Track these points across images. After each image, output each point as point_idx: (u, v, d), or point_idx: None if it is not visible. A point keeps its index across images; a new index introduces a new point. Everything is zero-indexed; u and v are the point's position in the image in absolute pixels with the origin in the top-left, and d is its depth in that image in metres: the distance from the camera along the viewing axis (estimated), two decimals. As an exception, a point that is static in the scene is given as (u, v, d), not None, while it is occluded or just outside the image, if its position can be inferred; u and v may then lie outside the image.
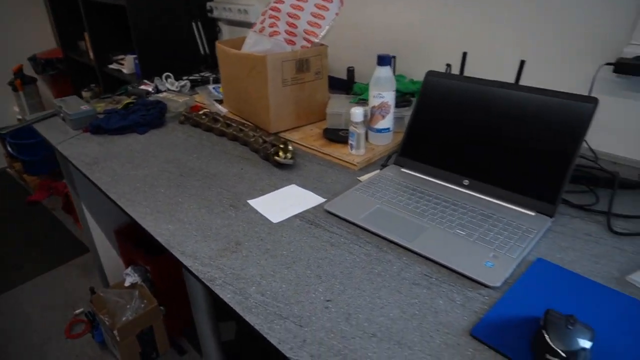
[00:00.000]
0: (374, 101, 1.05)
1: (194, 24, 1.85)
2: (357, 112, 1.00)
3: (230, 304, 0.66)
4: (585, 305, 0.63)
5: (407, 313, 0.63)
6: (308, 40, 1.18)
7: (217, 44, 1.30)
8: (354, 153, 1.05)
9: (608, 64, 0.96)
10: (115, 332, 1.50)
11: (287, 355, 0.57)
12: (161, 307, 1.64)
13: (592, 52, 1.02)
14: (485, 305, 0.64)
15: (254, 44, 1.25)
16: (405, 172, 0.98)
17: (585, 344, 0.53)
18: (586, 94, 1.05)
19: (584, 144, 1.09)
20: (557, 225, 0.82)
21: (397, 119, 1.15)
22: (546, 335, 0.54)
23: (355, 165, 1.02)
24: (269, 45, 1.21)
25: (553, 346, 0.53)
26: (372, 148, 1.08)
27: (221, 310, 1.61)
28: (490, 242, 0.75)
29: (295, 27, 1.19)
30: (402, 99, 1.21)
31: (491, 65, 1.20)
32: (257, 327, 0.62)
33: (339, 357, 0.57)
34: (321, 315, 0.63)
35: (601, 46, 1.00)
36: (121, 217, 1.74)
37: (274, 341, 0.59)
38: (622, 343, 0.57)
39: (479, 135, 0.91)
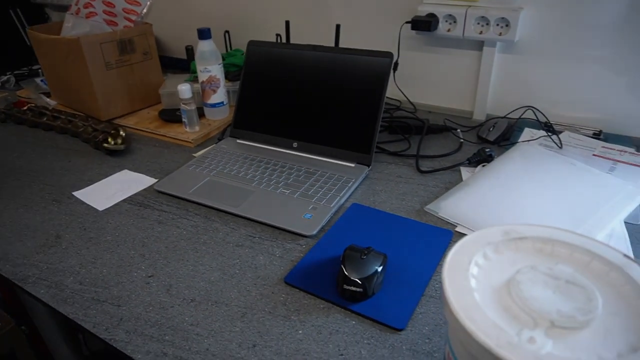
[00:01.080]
0: (202, 76, 1.04)
1: (11, 11, 1.66)
2: (184, 89, 0.99)
3: (43, 299, 0.63)
4: (386, 237, 0.70)
5: (228, 274, 0.65)
6: (129, 20, 1.13)
7: (29, 31, 1.18)
8: (189, 130, 1.04)
9: (407, 22, 1.06)
10: (-36, 363, 1.35)
11: (102, 336, 0.56)
12: (22, 327, 1.50)
13: (397, 13, 1.12)
14: (301, 254, 0.69)
15: (72, 27, 1.17)
16: (241, 143, 1.00)
17: (378, 268, 0.60)
18: (395, 51, 1.15)
19: (405, 97, 1.20)
20: (375, 173, 0.90)
21: (234, 92, 1.16)
22: (343, 268, 0.60)
23: (190, 142, 1.02)
24: (88, 27, 1.14)
25: (349, 276, 0.59)
26: (209, 123, 1.08)
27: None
28: (312, 195, 0.80)
29: (113, 6, 1.13)
30: (239, 72, 1.22)
31: (316, 32, 1.26)
32: (71, 317, 0.59)
33: (155, 327, 0.57)
34: (141, 292, 0.63)
35: (402, 7, 1.10)
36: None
37: (88, 326, 0.58)
38: (413, 260, 0.65)
39: (301, 98, 0.95)
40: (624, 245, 0.68)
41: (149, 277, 0.66)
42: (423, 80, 1.18)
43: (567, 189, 0.78)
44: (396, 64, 1.15)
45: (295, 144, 0.95)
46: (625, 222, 0.72)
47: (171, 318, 0.58)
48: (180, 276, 0.65)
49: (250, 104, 1.00)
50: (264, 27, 1.35)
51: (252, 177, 0.86)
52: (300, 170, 0.88)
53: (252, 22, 1.37)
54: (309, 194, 0.81)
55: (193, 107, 1.01)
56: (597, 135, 0.98)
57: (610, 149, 0.92)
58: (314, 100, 0.94)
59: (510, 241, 0.39)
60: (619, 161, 0.88)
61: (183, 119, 1.03)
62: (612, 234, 0.69)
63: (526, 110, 1.06)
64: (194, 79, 1.21)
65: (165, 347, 0.54)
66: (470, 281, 0.35)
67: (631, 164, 0.87)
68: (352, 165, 0.89)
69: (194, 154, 0.99)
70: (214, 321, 0.58)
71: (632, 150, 0.91)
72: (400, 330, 0.55)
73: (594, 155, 0.90)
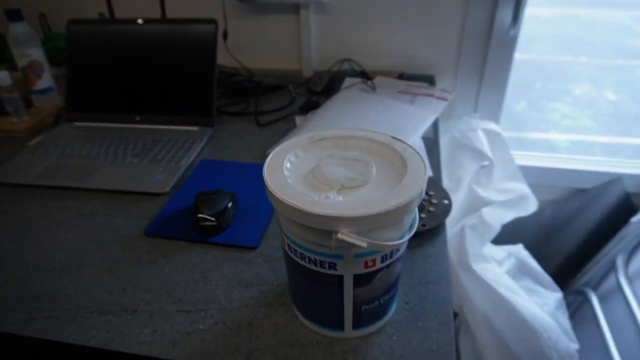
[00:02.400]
0: (21, 61, 0.99)
1: None
2: (1, 76, 0.93)
3: None
4: (235, 181, 0.79)
5: (87, 241, 0.67)
6: None
7: None
8: (17, 121, 0.98)
9: (227, -8, 1.14)
10: None
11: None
12: None
13: (219, -16, 1.18)
14: (158, 210, 0.73)
15: None
16: (79, 125, 0.98)
17: (228, 204, 0.68)
18: (223, 20, 1.22)
19: (240, 63, 1.28)
20: (219, 132, 0.97)
21: (64, 76, 1.11)
22: (197, 208, 0.67)
23: (21, 132, 0.96)
24: None
25: (203, 213, 0.66)
26: (39, 112, 1.03)
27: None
28: (161, 159, 0.84)
29: None
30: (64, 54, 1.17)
31: (142, 5, 1.26)
32: None
33: (17, 300, 0.58)
34: (-6, 275, 0.62)
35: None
36: None
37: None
38: (260, 193, 0.75)
39: (134, 73, 0.97)
40: (422, 153, 0.87)
41: (1, 261, 0.64)
42: (254, 46, 1.27)
43: (379, 119, 0.95)
44: (226, 32, 1.22)
45: (137, 118, 0.97)
46: (422, 137, 0.91)
47: (34, 289, 0.59)
48: (37, 253, 0.66)
49: (82, 85, 0.99)
50: (83, 10, 1.30)
51: (97, 154, 0.87)
52: (146, 140, 0.91)
53: (69, 3, 1.30)
54: (157, 158, 0.85)
55: (16, 94, 0.96)
56: (401, 77, 1.19)
57: (411, 85, 1.13)
58: (148, 73, 0.96)
59: (315, 142, 0.50)
60: (417, 94, 1.09)
61: (8, 109, 0.97)
62: (413, 144, 0.88)
63: (344, 62, 1.22)
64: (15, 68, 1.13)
65: (34, 313, 0.56)
66: (284, 173, 0.45)
67: (425, 95, 1.07)
68: (196, 128, 0.95)
69: (28, 143, 0.94)
70: (81, 281, 0.60)
71: (426, 85, 1.13)
72: (255, 248, 0.65)
73: (398, 92, 1.10)
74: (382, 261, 0.45)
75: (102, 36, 0.97)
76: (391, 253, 0.45)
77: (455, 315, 1.14)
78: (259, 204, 0.73)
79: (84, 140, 0.92)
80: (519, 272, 1.15)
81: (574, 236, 1.38)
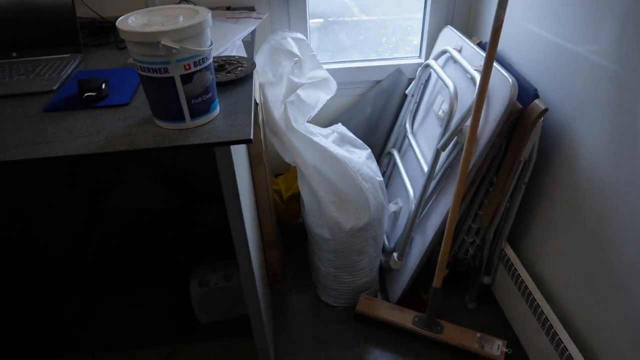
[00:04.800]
0: None
1: None
2: None
3: None
4: (104, 75, 1.08)
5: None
6: None
7: None
8: None
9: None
10: None
11: None
12: None
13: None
14: (49, 99, 1.01)
15: None
16: (-38, 67, 1.19)
17: (103, 83, 0.99)
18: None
19: (99, 13, 1.54)
20: (88, 58, 1.24)
21: None
22: (80, 85, 0.97)
23: None
24: None
25: (85, 87, 0.96)
26: None
27: None
28: (43, 74, 1.10)
29: None
30: None
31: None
32: None
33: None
34: None
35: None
36: None
37: None
38: (123, 81, 1.06)
39: (8, 18, 1.20)
40: (241, 49, 1.24)
41: None
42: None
43: (214, 34, 1.30)
44: (77, -11, 1.46)
45: (14, 54, 1.21)
46: (242, 40, 1.28)
47: (-32, 146, 0.86)
48: (-39, 132, 0.90)
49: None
50: None
51: (-13, 79, 1.10)
52: (27, 66, 1.16)
53: None
54: (40, 74, 1.11)
55: None
56: (228, 9, 1.54)
57: (235, 13, 1.49)
58: (22, 19, 1.20)
59: (147, 12, 0.84)
60: (239, 18, 1.45)
61: None
62: (234, 44, 1.25)
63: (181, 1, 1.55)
64: None
65: (-26, 154, 0.83)
66: (129, 23, 0.78)
67: (246, 17, 1.45)
68: (68, 55, 1.22)
69: None
70: (2, 142, 0.87)
71: (247, 11, 1.50)
72: (126, 104, 0.97)
73: (227, 18, 1.45)
74: (195, 65, 0.81)
75: (-33, -8, 1.18)
76: (200, 61, 0.81)
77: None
78: (125, 84, 1.04)
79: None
80: (340, 141, 1.59)
81: (385, 120, 1.88)
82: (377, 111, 1.87)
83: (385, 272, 1.69)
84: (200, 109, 0.86)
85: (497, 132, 1.23)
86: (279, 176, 1.91)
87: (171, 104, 0.84)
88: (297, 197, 1.78)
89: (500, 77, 1.23)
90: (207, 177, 1.81)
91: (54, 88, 1.05)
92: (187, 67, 0.80)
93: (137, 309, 1.54)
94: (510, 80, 1.20)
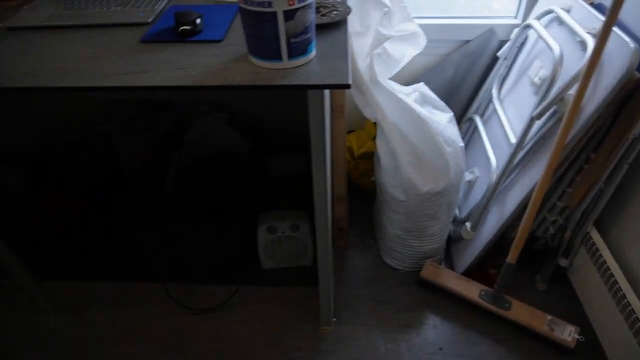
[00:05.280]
0: (4, -56, 1.19)
1: None
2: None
3: None
4: (198, 10, 1.07)
5: (99, 48, 0.95)
6: None
7: None
8: (9, -7, 1.20)
9: None
10: None
11: None
12: None
13: None
14: (147, 29, 1.01)
15: None
16: None
17: (197, 19, 0.97)
18: None
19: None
20: (180, -7, 1.23)
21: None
22: (177, 17, 0.96)
23: (12, 1, 1.18)
24: None
25: (181, 20, 0.95)
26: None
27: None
28: (139, 6, 1.11)
29: None
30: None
31: None
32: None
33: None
34: (37, 66, 0.89)
35: None
36: None
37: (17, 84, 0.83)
38: (219, 16, 1.04)
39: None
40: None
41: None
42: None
43: None
44: None
45: (110, -15, 1.22)
46: (335, -16, 1.22)
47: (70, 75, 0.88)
48: (62, 64, 0.93)
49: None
50: None
51: (86, 6, 1.12)
52: (123, -2, 1.16)
53: None
54: (135, 5, 1.11)
55: (6, -30, 1.17)
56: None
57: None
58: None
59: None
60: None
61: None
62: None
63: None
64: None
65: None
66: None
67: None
68: (161, -11, 1.21)
69: (24, 7, 1.16)
70: (105, 66, 0.89)
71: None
72: (220, 40, 0.95)
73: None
74: (299, 2, 0.77)
75: None
76: (304, -3, 0.77)
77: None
78: (218, 21, 1.02)
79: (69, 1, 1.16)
80: (422, 101, 1.52)
81: (469, 84, 1.77)
82: (460, 74, 1.76)
83: (452, 241, 1.63)
84: (298, 49, 0.83)
85: (606, 103, 1.11)
86: (350, 133, 1.87)
87: (270, 41, 0.81)
88: (368, 155, 1.74)
89: (620, 41, 1.10)
90: (282, 126, 1.80)
91: (149, 20, 1.04)
92: (292, 2, 0.76)
93: (206, 246, 1.59)
94: (632, 45, 1.06)
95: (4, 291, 1.58)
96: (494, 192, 1.38)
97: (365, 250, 1.68)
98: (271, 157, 1.79)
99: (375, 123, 1.64)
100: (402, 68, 1.44)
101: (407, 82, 1.70)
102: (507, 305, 1.37)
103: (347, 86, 0.79)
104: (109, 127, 1.64)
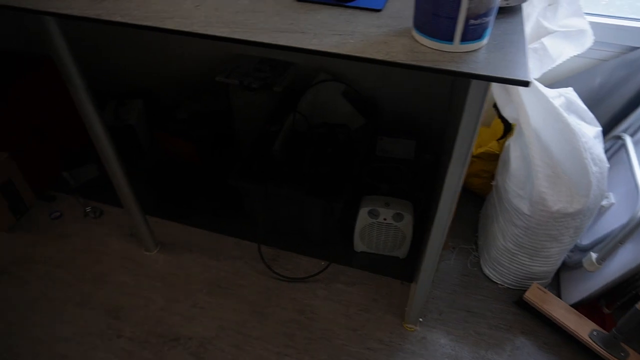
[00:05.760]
0: None
1: None
2: None
3: None
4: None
5: (254, 0, 0.92)
6: None
7: None
8: None
9: None
10: (-26, 188, 1.50)
11: (183, 30, 0.82)
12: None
13: None
14: None
15: None
16: None
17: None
18: None
19: None
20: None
21: None
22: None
23: None
24: None
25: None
26: None
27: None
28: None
29: None
30: None
31: None
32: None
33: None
34: (196, 12, 0.88)
35: None
36: None
37: (170, 26, 0.83)
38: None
39: None
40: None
41: (197, 7, 0.90)
42: None
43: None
44: None
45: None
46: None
47: (238, 20, 0.85)
48: (223, 3, 0.91)
49: None
50: None
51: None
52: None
53: None
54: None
55: None
56: None
57: None
58: None
59: None
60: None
61: None
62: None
63: None
64: None
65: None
66: None
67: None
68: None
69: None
70: (259, 19, 0.85)
71: None
72: (379, 10, 0.88)
73: None
74: (492, -22, 0.67)
75: None
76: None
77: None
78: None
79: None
80: (567, 109, 1.35)
81: (619, 98, 1.55)
82: (610, 85, 1.54)
83: (564, 267, 1.48)
84: (474, 32, 0.73)
85: None
86: (469, 127, 1.74)
87: (446, 18, 0.72)
88: (487, 156, 1.60)
89: None
90: (397, 107, 1.71)
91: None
92: (484, -22, 0.67)
93: (303, 216, 1.57)
94: None
95: (110, 219, 1.68)
96: (637, 227, 1.20)
97: (463, 254, 1.57)
98: (382, 137, 1.72)
99: (506, 123, 1.50)
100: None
101: (546, 84, 1.53)
102: (622, 354, 1.21)
103: (527, 84, 0.69)
104: (228, 80, 1.65)
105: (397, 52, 0.75)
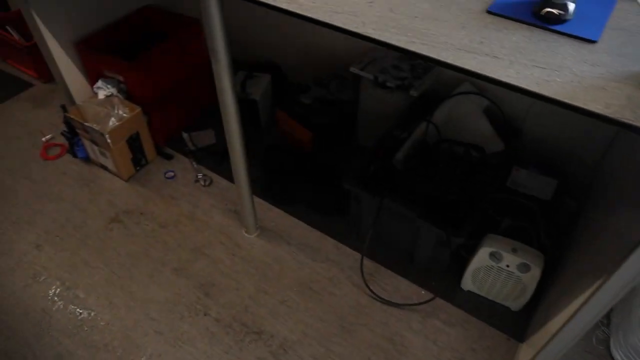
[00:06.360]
0: None
1: None
2: None
3: None
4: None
5: (437, 5, 0.79)
6: None
7: None
8: None
9: None
10: (106, 136, 1.56)
11: (353, 30, 0.72)
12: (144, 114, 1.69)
13: None
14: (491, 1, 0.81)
15: None
16: None
17: (571, 3, 0.73)
18: None
19: None
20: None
21: None
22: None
23: None
24: None
25: (547, 6, 0.72)
26: None
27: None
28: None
29: None
30: None
31: None
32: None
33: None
34: (368, 10, 0.77)
35: None
36: (82, 26, 1.67)
37: (338, 24, 0.73)
38: (593, 10, 0.78)
39: None
40: None
41: (369, 3, 0.79)
42: None
43: None
44: None
45: None
46: None
47: (404, 26, 0.73)
48: (398, 2, 0.79)
49: None
50: None
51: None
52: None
53: None
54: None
55: None
56: None
57: None
58: None
59: None
60: None
61: None
62: None
63: None
64: None
65: (413, 39, 0.70)
66: None
67: None
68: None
69: None
70: (442, 31, 0.72)
71: None
72: (594, 41, 0.70)
73: None
74: None
75: None
76: None
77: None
78: (593, 12, 0.76)
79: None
80: None
81: None
82: None
83: None
84: None
85: None
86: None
87: None
88: None
89: None
90: (542, 138, 1.49)
91: (500, -15, 0.84)
92: None
93: (415, 238, 1.44)
94: None
95: (217, 191, 1.68)
96: None
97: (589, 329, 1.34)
98: (517, 168, 1.51)
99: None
100: None
101: None
102: None
103: None
104: (362, 72, 1.55)
105: (621, 107, 0.58)
